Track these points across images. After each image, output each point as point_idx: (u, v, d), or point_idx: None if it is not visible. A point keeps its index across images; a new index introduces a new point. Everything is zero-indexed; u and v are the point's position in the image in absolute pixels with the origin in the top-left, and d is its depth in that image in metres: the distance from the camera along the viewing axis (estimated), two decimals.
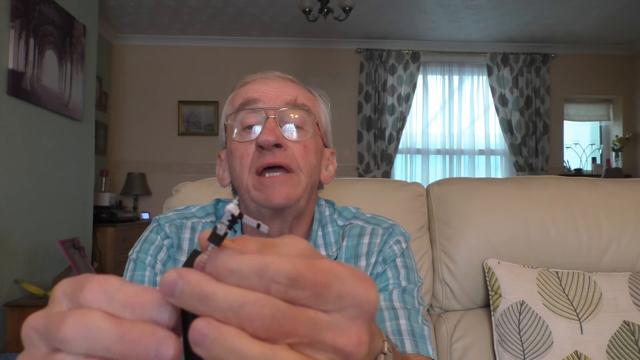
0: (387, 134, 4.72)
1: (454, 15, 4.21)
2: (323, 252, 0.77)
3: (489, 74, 4.83)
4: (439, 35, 4.68)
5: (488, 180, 1.25)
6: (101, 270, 3.37)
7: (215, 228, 0.27)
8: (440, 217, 1.18)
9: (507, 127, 4.78)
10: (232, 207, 0.27)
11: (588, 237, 1.12)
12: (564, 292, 1.02)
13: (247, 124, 0.72)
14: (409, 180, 1.60)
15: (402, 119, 4.73)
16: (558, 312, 0.99)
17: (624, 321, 0.98)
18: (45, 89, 2.51)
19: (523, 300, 1.02)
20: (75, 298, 0.27)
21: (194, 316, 0.25)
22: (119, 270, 2.48)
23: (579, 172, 4.83)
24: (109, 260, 3.50)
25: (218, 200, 0.86)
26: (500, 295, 1.05)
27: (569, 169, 4.95)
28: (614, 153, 4.94)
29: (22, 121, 2.36)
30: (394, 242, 0.77)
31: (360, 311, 0.26)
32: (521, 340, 0.99)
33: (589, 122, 5.19)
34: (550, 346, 0.97)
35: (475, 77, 4.95)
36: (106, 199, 3.91)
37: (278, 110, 0.71)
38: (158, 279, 0.73)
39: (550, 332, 0.98)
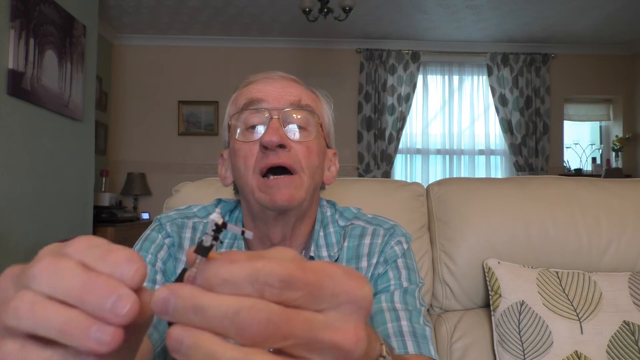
0: (387, 134, 4.72)
1: (454, 15, 4.21)
2: (324, 253, 0.77)
3: (489, 74, 4.83)
4: (439, 35, 4.68)
5: (488, 180, 1.25)
6: None
7: (201, 241, 0.27)
8: (440, 217, 1.18)
9: (507, 127, 4.78)
10: (216, 217, 0.27)
11: (588, 237, 1.12)
12: (564, 292, 1.02)
13: (251, 124, 0.72)
14: (409, 180, 1.60)
15: (402, 119, 4.73)
16: (558, 312, 0.99)
17: (624, 321, 0.98)
18: (45, 89, 2.51)
19: (523, 300, 1.02)
20: (59, 251, 0.28)
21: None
22: None
23: (579, 172, 4.83)
24: None
25: (219, 201, 0.86)
26: (500, 295, 1.05)
27: (569, 169, 4.95)
28: (614, 153, 4.94)
29: (22, 121, 2.36)
30: (395, 243, 0.77)
31: (356, 307, 0.26)
32: (521, 340, 0.99)
33: (589, 122, 5.19)
34: (550, 346, 0.97)
35: (475, 77, 4.95)
36: (106, 199, 3.91)
37: (282, 110, 0.71)
38: (158, 277, 0.73)
39: (550, 332, 0.98)
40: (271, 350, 0.25)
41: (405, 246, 0.78)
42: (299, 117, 0.72)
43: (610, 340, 0.96)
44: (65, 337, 0.24)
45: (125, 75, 4.73)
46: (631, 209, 1.14)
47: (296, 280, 0.25)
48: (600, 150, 5.15)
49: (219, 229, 0.27)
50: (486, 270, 1.09)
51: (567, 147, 5.04)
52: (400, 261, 0.76)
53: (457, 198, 1.18)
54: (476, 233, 1.13)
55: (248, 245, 0.78)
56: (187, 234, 0.79)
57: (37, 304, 0.25)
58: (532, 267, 1.08)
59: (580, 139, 5.16)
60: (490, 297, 1.07)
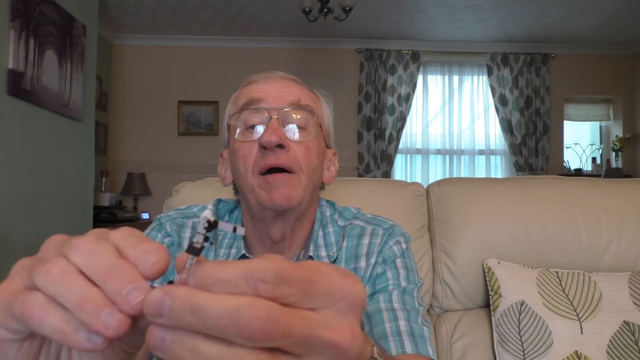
0: (387, 134, 4.71)
1: (454, 15, 4.21)
2: (323, 253, 0.77)
3: (489, 74, 4.83)
4: (439, 35, 4.68)
5: (488, 180, 1.25)
6: None
7: (191, 242, 0.27)
8: (440, 217, 1.18)
9: (507, 127, 4.78)
10: (208, 214, 0.27)
11: (588, 237, 1.12)
12: (564, 292, 1.02)
13: (250, 124, 0.72)
14: (409, 180, 1.60)
15: (402, 119, 4.73)
16: (558, 312, 0.99)
17: (624, 321, 0.98)
18: (45, 89, 2.51)
19: (523, 300, 1.02)
20: (103, 234, 0.30)
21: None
22: None
23: (579, 172, 4.83)
24: None
25: (219, 201, 0.86)
26: (500, 295, 1.05)
27: (569, 169, 4.95)
28: (614, 153, 4.94)
29: (22, 121, 2.36)
30: (394, 243, 0.77)
31: (350, 305, 0.26)
32: (521, 340, 0.99)
33: (589, 122, 5.19)
34: (550, 346, 0.97)
35: (475, 77, 4.95)
36: (106, 199, 3.91)
37: (281, 110, 0.71)
38: None
39: (550, 332, 0.98)
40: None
41: (404, 246, 0.78)
42: (298, 117, 0.72)
43: (610, 340, 0.96)
44: (79, 311, 0.26)
45: (125, 75, 4.73)
46: (631, 209, 1.14)
47: (290, 276, 0.25)
48: (600, 150, 5.15)
49: (210, 226, 0.27)
50: (486, 270, 1.09)
51: (567, 147, 5.04)
52: (398, 261, 0.76)
53: (457, 198, 1.18)
54: (476, 233, 1.13)
55: (248, 246, 0.78)
56: (187, 234, 0.79)
57: (67, 274, 0.27)
58: (532, 267, 1.08)
59: (580, 139, 5.16)
60: (490, 297, 1.07)
